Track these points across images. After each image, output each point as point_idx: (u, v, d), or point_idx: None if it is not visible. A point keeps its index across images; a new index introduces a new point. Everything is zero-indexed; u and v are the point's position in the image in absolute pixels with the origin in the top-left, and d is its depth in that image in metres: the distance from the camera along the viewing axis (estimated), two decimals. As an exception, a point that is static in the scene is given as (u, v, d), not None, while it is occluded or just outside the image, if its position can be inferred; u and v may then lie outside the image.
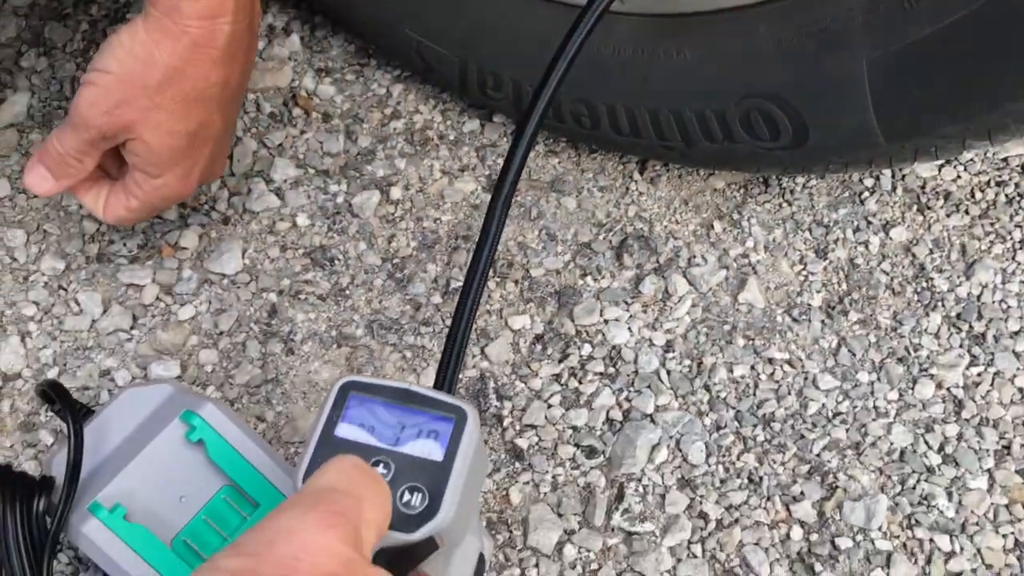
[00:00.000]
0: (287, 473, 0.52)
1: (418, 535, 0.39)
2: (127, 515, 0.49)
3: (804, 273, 0.67)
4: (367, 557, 0.35)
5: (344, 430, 0.41)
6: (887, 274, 0.67)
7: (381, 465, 0.40)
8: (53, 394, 0.52)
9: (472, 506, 0.43)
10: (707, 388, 0.63)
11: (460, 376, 0.47)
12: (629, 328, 0.64)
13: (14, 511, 0.47)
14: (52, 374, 0.61)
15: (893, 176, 0.71)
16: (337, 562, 0.33)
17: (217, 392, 0.62)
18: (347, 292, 0.66)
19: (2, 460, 0.59)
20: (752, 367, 0.63)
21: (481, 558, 0.50)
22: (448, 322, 0.65)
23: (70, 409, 0.51)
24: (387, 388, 0.42)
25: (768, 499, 0.59)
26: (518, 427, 0.61)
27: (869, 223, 0.69)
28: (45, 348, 0.63)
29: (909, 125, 0.55)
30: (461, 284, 0.66)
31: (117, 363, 0.62)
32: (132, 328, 0.64)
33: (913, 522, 0.58)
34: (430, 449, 0.41)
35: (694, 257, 0.67)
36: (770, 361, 0.64)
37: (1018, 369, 0.63)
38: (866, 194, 0.70)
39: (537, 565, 0.57)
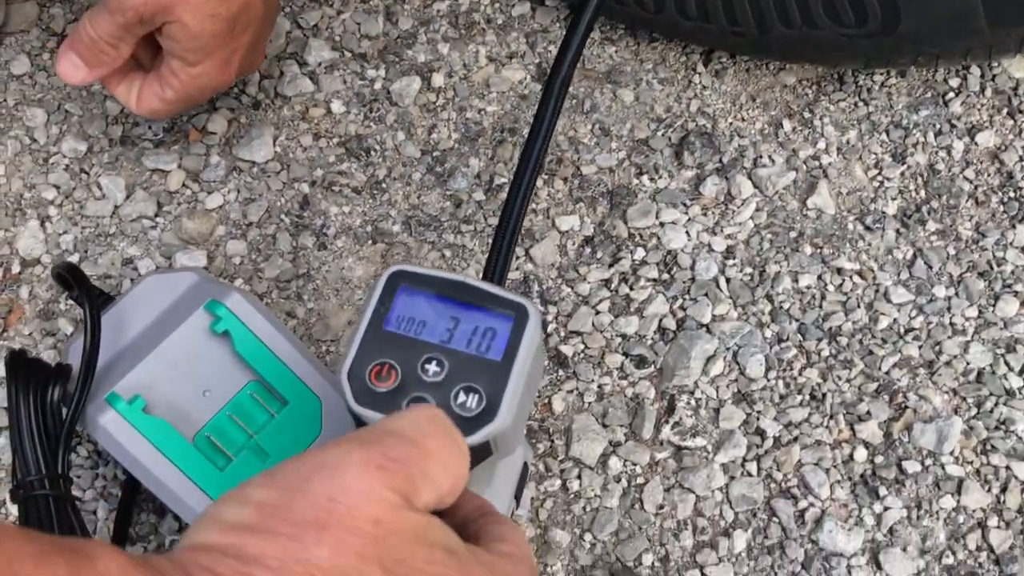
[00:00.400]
0: (318, 370, 0.49)
1: (473, 440, 0.35)
2: (147, 408, 0.46)
3: (879, 178, 0.62)
4: (418, 511, 0.30)
5: (393, 324, 0.37)
6: (970, 182, 0.62)
7: (434, 363, 0.37)
8: (70, 277, 0.48)
9: (527, 413, 0.40)
10: (769, 298, 0.58)
11: (509, 271, 0.43)
12: (687, 232, 0.60)
13: (27, 399, 0.44)
14: (73, 261, 0.58)
15: (982, 75, 0.64)
16: (380, 508, 0.29)
17: (245, 286, 0.58)
18: (384, 185, 0.61)
19: (18, 347, 0.56)
20: (819, 277, 0.59)
21: (525, 466, 0.47)
22: (491, 221, 0.61)
23: (87, 294, 0.47)
24: (441, 280, 0.38)
25: (831, 417, 0.55)
26: (563, 333, 0.57)
27: (953, 126, 0.63)
28: (66, 234, 0.59)
29: (1020, 8, 0.49)
30: (506, 180, 0.62)
31: (141, 251, 0.59)
32: (157, 216, 0.60)
33: (989, 448, 0.54)
34: (488, 348, 0.37)
35: (760, 157, 0.62)
36: (839, 271, 0.59)
37: (1112, 289, 0.58)
38: (951, 95, 0.64)
39: (579, 477, 0.53)
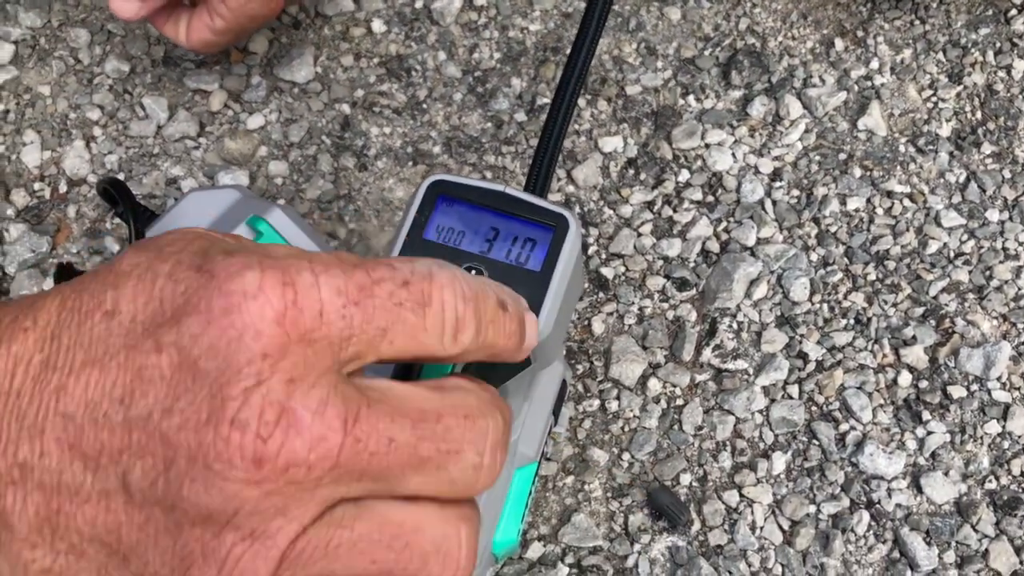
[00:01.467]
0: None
1: None
2: (192, 320, 0.46)
3: (934, 99, 0.60)
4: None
5: (432, 233, 0.37)
6: (1030, 103, 0.59)
7: (473, 272, 0.37)
8: (114, 192, 0.49)
9: (566, 325, 0.39)
10: (816, 221, 0.57)
11: (551, 184, 0.43)
12: (733, 153, 0.58)
13: (76, 309, 0.44)
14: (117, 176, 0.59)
15: (1047, -9, 0.62)
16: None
17: (288, 206, 0.58)
18: (424, 106, 0.61)
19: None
20: (868, 200, 0.57)
21: (564, 383, 0.47)
22: (533, 142, 0.60)
23: (131, 209, 0.48)
24: (480, 190, 0.38)
25: (876, 342, 0.54)
26: (604, 256, 0.57)
27: (1014, 45, 0.61)
28: (111, 154, 0.60)
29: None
30: (548, 101, 0.61)
31: (184, 171, 0.59)
32: (199, 136, 0.60)
33: (1038, 374, 0.53)
34: (526, 258, 0.37)
35: (811, 77, 0.60)
36: (889, 194, 0.57)
37: None
38: (1014, 12, 0.61)
39: (618, 397, 0.53)
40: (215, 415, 0.24)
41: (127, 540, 0.25)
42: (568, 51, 0.62)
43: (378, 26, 0.63)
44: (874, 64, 0.61)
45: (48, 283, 0.56)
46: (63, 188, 0.59)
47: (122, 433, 0.25)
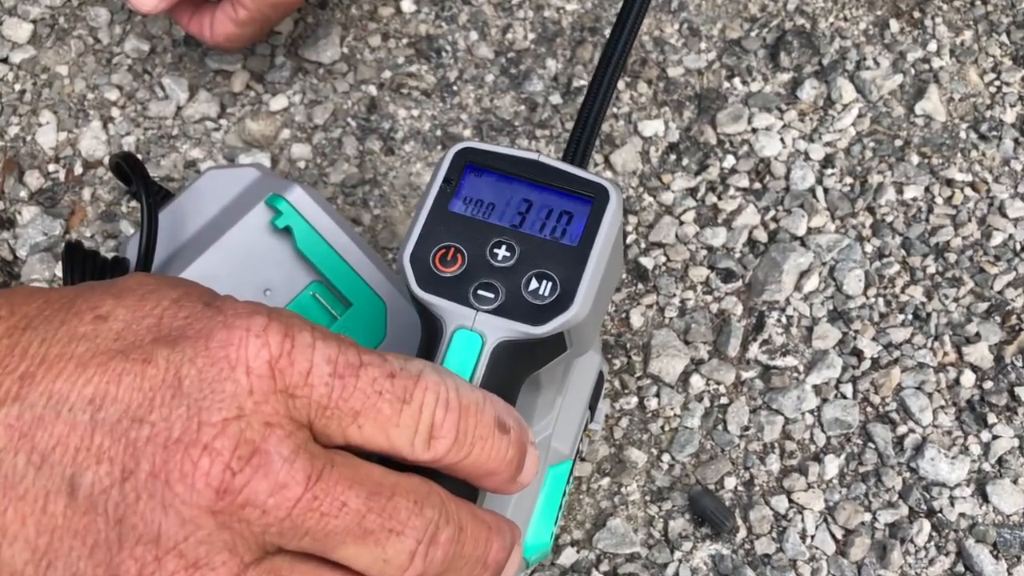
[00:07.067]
0: (383, 271, 0.46)
1: (546, 329, 0.32)
2: (206, 303, 0.43)
3: (997, 83, 0.56)
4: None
5: (459, 205, 0.34)
6: (1102, 88, 0.55)
7: (504, 247, 0.33)
8: (127, 168, 0.46)
9: (604, 307, 0.36)
10: (871, 210, 0.53)
11: (593, 153, 0.40)
12: (782, 139, 0.55)
13: (84, 289, 0.42)
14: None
15: (1119, -30, 0.58)
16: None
17: (310, 190, 0.56)
18: (455, 88, 0.58)
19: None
20: (927, 189, 0.54)
21: (600, 376, 0.44)
22: (568, 126, 0.57)
23: (144, 185, 0.45)
24: (512, 158, 0.35)
25: (936, 339, 0.50)
26: (644, 245, 0.54)
27: (1083, 26, 0.57)
28: (128, 135, 0.57)
29: None
30: (584, 83, 0.58)
31: (203, 154, 0.57)
32: (220, 117, 0.58)
33: (1115, 376, 0.49)
34: (563, 233, 0.33)
35: (864, 59, 0.57)
36: (949, 183, 0.54)
37: None
38: (1082, -8, 0.58)
39: (658, 395, 0.50)
40: (189, 436, 0.25)
41: (58, 546, 0.24)
42: (607, 32, 0.59)
43: (408, 5, 0.60)
44: (932, 46, 0.57)
45: (59, 268, 0.54)
46: (78, 170, 0.57)
47: (84, 432, 0.25)
